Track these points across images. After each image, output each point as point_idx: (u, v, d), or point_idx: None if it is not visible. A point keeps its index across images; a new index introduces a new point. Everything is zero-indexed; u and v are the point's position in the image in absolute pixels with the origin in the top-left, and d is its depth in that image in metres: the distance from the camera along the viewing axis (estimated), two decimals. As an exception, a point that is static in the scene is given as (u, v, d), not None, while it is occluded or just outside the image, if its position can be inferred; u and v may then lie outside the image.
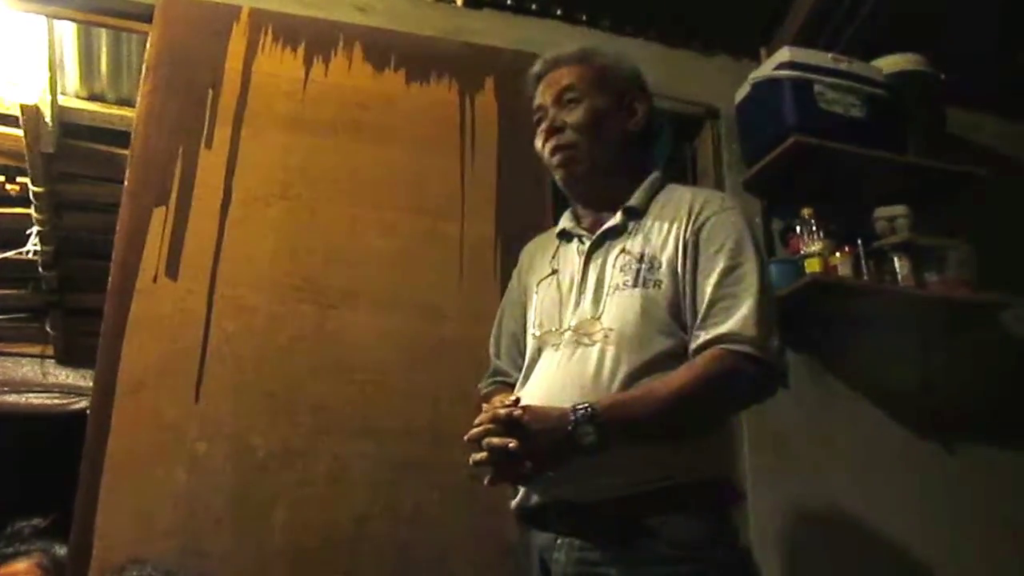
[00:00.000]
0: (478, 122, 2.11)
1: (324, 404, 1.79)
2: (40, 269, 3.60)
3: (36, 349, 4.34)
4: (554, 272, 1.49)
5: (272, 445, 1.73)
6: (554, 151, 1.48)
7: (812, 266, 2.15)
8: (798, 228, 2.24)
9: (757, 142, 2.35)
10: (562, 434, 1.21)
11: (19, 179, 3.17)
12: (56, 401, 4.28)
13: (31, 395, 4.27)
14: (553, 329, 1.42)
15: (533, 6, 2.41)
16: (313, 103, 2.01)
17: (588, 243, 1.46)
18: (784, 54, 2.30)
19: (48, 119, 2.74)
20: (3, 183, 3.22)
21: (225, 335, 1.78)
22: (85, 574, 1.57)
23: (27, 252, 3.41)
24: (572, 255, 1.48)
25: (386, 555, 1.72)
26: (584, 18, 2.45)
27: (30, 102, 2.63)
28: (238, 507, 1.68)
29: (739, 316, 1.28)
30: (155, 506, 1.64)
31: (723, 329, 1.28)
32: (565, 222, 1.55)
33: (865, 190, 2.33)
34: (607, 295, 1.37)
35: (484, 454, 1.23)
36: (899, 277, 2.20)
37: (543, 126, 1.50)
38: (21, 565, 1.88)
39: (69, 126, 2.90)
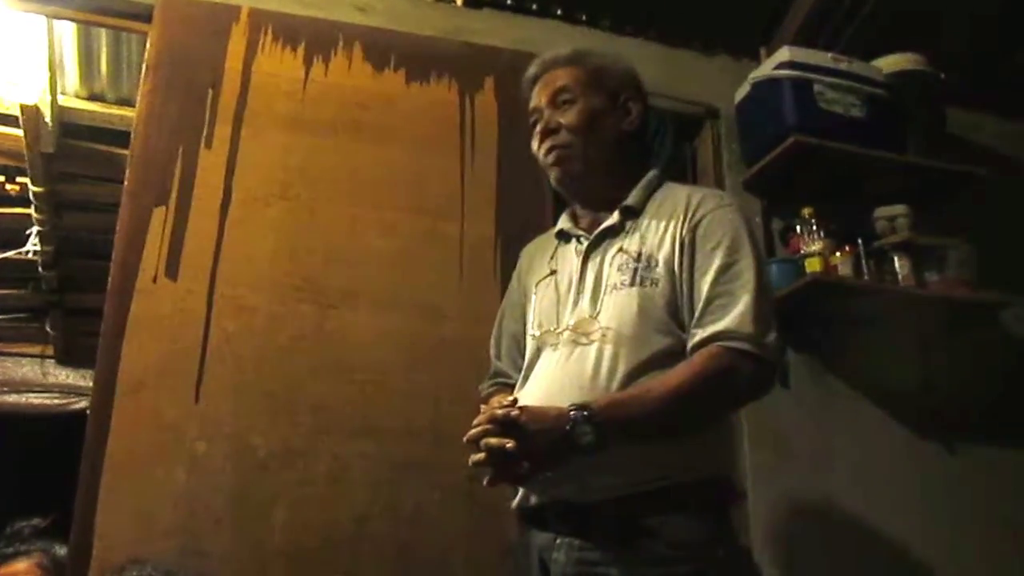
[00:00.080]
0: (478, 122, 2.11)
1: (324, 404, 1.79)
2: (40, 269, 3.60)
3: (36, 349, 4.34)
4: (553, 273, 1.49)
5: (272, 445, 1.73)
6: (549, 152, 1.48)
7: (812, 266, 2.15)
8: (798, 228, 2.24)
9: (757, 142, 2.35)
10: (560, 434, 1.21)
11: (19, 179, 3.17)
12: (56, 401, 4.27)
13: (31, 395, 4.26)
14: (552, 329, 1.42)
15: (533, 6, 2.41)
16: (313, 103, 2.01)
17: (586, 243, 1.46)
18: (784, 54, 2.30)
19: (48, 119, 2.73)
20: (3, 183, 3.22)
21: (225, 335, 1.78)
22: (85, 574, 1.57)
23: (27, 252, 3.41)
24: (570, 255, 1.48)
25: (386, 555, 1.72)
26: (584, 18, 2.45)
27: (30, 102, 2.63)
28: (238, 507, 1.68)
29: (736, 313, 1.28)
30: (155, 506, 1.64)
31: (720, 326, 1.28)
32: (563, 222, 1.55)
33: (865, 190, 2.33)
34: (605, 294, 1.37)
35: (483, 455, 1.22)
36: (899, 277, 2.20)
37: (538, 128, 1.50)
38: (21, 565, 1.88)
39: (69, 126, 2.90)
